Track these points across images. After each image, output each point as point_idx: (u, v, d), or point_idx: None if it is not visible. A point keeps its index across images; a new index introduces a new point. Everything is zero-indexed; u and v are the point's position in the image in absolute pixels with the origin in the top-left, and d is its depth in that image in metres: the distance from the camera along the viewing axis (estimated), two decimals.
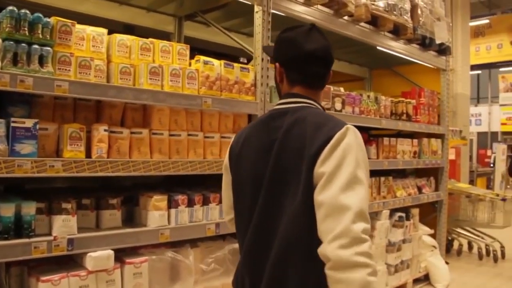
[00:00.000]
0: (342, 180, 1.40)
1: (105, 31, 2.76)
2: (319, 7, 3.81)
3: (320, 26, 3.71)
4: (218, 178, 3.10)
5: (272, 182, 1.58)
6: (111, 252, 2.47)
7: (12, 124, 2.24)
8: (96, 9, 3.64)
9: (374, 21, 4.44)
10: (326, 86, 3.82)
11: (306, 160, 1.48)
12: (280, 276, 1.53)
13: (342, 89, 4.10)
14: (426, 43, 5.21)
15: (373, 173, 4.47)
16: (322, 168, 1.44)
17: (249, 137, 1.74)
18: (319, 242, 1.42)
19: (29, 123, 2.29)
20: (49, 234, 2.37)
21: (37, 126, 2.31)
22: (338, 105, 3.94)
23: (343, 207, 1.36)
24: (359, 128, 4.58)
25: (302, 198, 1.48)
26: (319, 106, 1.71)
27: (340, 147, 1.45)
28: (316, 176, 1.46)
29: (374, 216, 4.49)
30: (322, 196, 1.42)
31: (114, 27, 4.09)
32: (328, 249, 1.35)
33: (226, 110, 3.12)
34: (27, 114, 2.46)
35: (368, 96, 4.49)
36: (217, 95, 3.04)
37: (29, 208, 2.30)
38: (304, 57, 1.66)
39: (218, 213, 3.04)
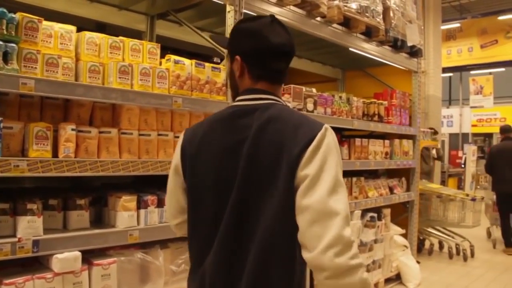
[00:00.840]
0: (327, 184, 1.37)
1: (73, 28, 2.71)
2: (292, 7, 3.81)
3: (292, 26, 3.79)
4: None
5: (244, 184, 1.48)
6: (78, 254, 2.42)
7: None
8: (66, 6, 3.57)
9: (347, 22, 4.47)
10: (298, 86, 3.87)
11: (287, 161, 1.42)
12: (261, 282, 1.45)
13: (314, 89, 4.11)
14: (398, 45, 5.27)
15: (345, 174, 4.47)
16: (306, 170, 1.39)
17: (207, 136, 1.60)
18: (299, 246, 1.41)
19: None
20: (14, 235, 2.31)
21: (1, 125, 2.25)
22: (310, 106, 3.96)
23: (332, 213, 1.34)
24: (331, 129, 4.59)
25: (283, 202, 1.41)
26: (284, 103, 1.65)
27: (322, 149, 1.41)
28: (298, 178, 1.40)
29: None
30: (308, 201, 1.37)
31: (85, 25, 4.04)
32: (324, 259, 1.32)
33: (197, 110, 3.09)
34: None
35: (340, 97, 4.52)
36: (187, 95, 3.01)
37: None
38: (270, 52, 1.58)
39: None
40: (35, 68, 2.41)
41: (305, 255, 1.38)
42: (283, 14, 3.74)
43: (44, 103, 2.67)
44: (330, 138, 1.45)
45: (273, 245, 1.43)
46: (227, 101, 3.24)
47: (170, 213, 1.79)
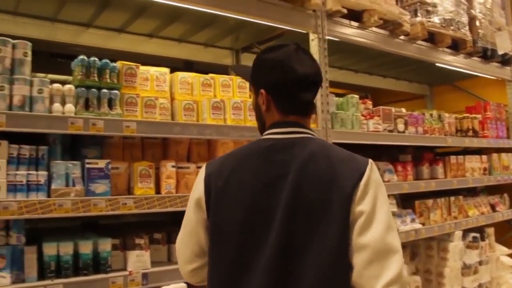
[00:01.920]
0: (383, 221, 1.35)
1: (167, 70, 2.87)
2: (374, 29, 3.79)
3: (375, 47, 3.78)
4: None
5: (289, 221, 1.38)
6: (184, 285, 2.51)
7: (87, 166, 2.37)
8: (157, 49, 3.80)
9: (431, 37, 4.36)
10: (388, 107, 3.81)
11: (340, 197, 1.36)
12: None
13: (403, 109, 4.03)
14: (488, 55, 5.04)
15: (442, 193, 4.35)
16: (360, 206, 1.35)
17: (239, 170, 1.50)
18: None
19: (101, 163, 2.41)
20: (124, 269, 2.46)
21: (109, 166, 2.43)
22: (400, 126, 3.87)
23: (390, 250, 1.33)
24: (424, 148, 4.46)
25: (339, 239, 1.35)
26: (316, 135, 1.58)
27: (372, 184, 1.39)
28: (354, 215, 1.36)
29: (446, 237, 4.33)
30: (365, 239, 1.33)
31: (174, 63, 4.26)
32: None
33: None
34: (99, 155, 2.59)
35: (431, 115, 4.38)
36: None
37: (105, 245, 2.41)
38: (297, 83, 1.50)
39: None
40: (135, 111, 2.58)
41: None
42: (365, 36, 3.73)
43: (145, 143, 2.83)
44: (377, 173, 1.44)
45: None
46: (318, 128, 3.25)
47: (185, 257, 1.62)
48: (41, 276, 2.24)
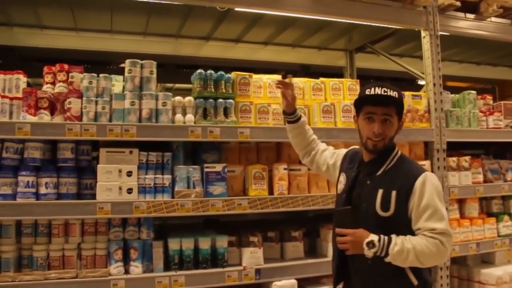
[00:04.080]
0: None
1: (279, 77, 3.00)
2: (493, 19, 3.60)
3: (493, 38, 3.57)
4: None
5: None
6: (294, 282, 2.65)
7: (205, 169, 2.61)
8: (272, 55, 3.98)
9: None
10: (510, 102, 3.58)
11: None
12: None
13: None
14: None
15: None
16: None
17: None
18: None
19: (219, 167, 2.64)
20: (239, 264, 2.67)
21: (226, 170, 2.65)
22: None
23: None
24: None
25: None
26: None
27: None
28: None
29: None
30: None
31: (291, 68, 4.41)
32: None
33: (401, 139, 3.11)
34: (217, 159, 2.82)
35: None
36: None
37: (222, 242, 2.64)
38: None
39: None
40: (249, 117, 2.77)
41: None
42: (483, 28, 3.55)
43: (259, 147, 3.01)
44: None
45: None
46: (431, 127, 3.19)
47: None
48: (167, 267, 2.54)
